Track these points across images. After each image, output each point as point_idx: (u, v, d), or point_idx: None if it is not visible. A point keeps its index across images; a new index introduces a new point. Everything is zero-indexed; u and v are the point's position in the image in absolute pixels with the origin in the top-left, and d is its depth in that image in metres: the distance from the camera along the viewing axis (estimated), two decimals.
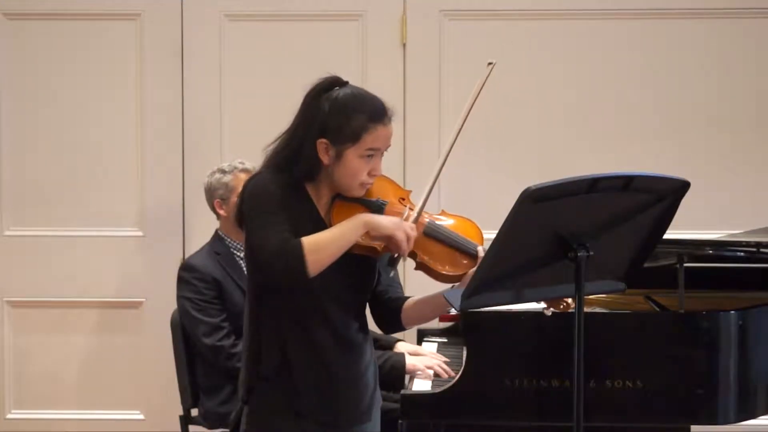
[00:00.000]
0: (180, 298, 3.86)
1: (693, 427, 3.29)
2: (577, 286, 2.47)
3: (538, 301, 2.70)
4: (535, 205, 2.38)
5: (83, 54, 4.74)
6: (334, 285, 2.55)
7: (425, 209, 2.62)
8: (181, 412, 4.04)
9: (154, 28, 4.72)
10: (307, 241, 2.43)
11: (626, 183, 2.47)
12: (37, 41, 4.74)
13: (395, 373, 3.50)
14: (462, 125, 2.72)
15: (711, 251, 3.41)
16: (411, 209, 2.61)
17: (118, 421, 4.79)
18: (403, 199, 2.67)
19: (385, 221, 2.49)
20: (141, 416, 4.79)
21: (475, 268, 2.54)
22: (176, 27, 4.73)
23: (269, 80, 4.68)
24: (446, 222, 2.69)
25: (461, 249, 2.62)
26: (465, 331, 3.22)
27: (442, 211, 2.76)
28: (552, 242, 2.47)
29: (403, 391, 3.18)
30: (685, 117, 4.69)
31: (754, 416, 3.21)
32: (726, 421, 3.13)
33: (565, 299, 2.62)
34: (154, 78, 4.72)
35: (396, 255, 2.51)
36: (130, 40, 4.73)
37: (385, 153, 2.61)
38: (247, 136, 4.33)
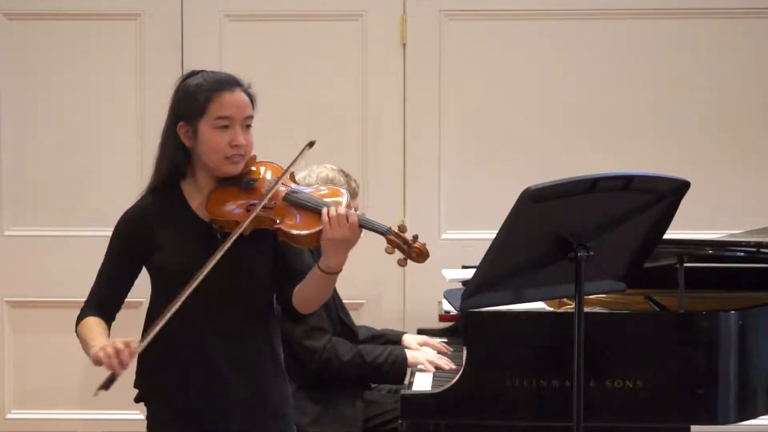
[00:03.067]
0: None
1: (693, 427, 3.29)
2: (577, 286, 2.48)
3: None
4: (535, 205, 2.38)
5: (83, 54, 4.74)
6: (215, 282, 2.50)
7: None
8: None
9: (154, 28, 4.72)
10: (82, 324, 2.68)
11: (626, 183, 2.47)
12: (37, 41, 4.74)
13: (398, 367, 3.53)
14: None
15: (711, 251, 3.41)
16: (284, 183, 2.61)
17: (118, 421, 4.78)
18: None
19: (90, 349, 2.58)
20: (141, 416, 4.78)
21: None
22: (176, 27, 4.73)
23: (269, 80, 4.68)
24: (316, 191, 2.66)
25: (311, 209, 2.55)
26: (465, 331, 3.22)
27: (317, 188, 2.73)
28: (552, 242, 2.47)
29: (403, 391, 3.18)
30: (685, 117, 4.69)
31: (754, 416, 3.21)
32: (726, 421, 3.13)
33: None
34: (154, 78, 4.72)
35: (111, 374, 2.54)
36: (130, 40, 4.73)
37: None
38: None
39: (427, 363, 3.49)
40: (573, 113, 4.70)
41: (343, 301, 3.77)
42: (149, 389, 2.73)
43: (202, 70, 2.67)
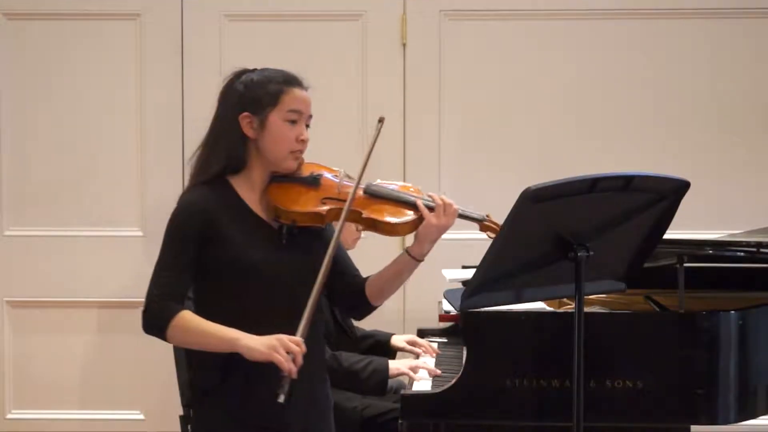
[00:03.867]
0: None
1: (693, 427, 3.29)
2: (577, 286, 2.48)
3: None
4: (535, 205, 2.38)
5: (83, 54, 4.74)
6: (284, 279, 2.53)
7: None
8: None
9: (154, 28, 4.72)
10: (183, 317, 2.48)
11: (626, 183, 2.47)
12: (37, 41, 4.74)
13: (377, 377, 3.46)
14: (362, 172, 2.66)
15: (711, 251, 3.41)
16: (347, 178, 2.67)
17: (118, 421, 4.79)
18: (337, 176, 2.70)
19: (259, 346, 2.41)
20: (141, 416, 4.79)
21: (414, 219, 2.59)
22: (176, 27, 4.73)
23: None
24: (385, 184, 2.73)
25: (401, 200, 2.64)
26: (465, 331, 3.22)
27: (379, 181, 2.77)
28: (552, 242, 2.47)
29: (403, 391, 3.17)
30: (685, 117, 4.69)
31: (754, 416, 3.21)
32: (726, 421, 3.12)
33: None
34: (154, 78, 4.72)
35: (283, 375, 2.39)
36: (130, 40, 4.73)
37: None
38: None
39: (408, 369, 3.41)
40: (573, 113, 4.70)
41: None
42: (211, 389, 2.61)
43: (255, 69, 2.68)
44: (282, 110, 2.58)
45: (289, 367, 2.38)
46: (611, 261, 2.59)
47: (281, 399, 2.36)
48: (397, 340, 3.81)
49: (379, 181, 2.72)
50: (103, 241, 4.76)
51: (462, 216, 2.65)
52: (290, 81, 2.62)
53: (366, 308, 2.75)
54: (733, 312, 3.14)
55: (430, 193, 2.65)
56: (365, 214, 2.61)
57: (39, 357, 4.80)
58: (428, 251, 2.65)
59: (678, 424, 3.22)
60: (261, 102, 2.58)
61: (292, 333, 2.45)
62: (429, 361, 3.54)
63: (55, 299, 4.77)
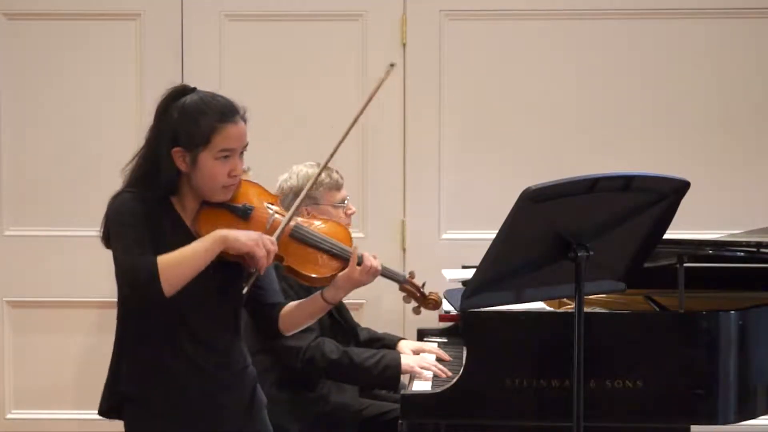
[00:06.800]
0: None
1: (693, 427, 3.29)
2: (577, 286, 2.48)
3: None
4: (535, 205, 2.38)
5: (83, 54, 4.74)
6: (200, 294, 2.52)
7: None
8: None
9: (154, 28, 4.72)
10: (162, 259, 2.42)
11: (626, 183, 2.47)
12: (37, 41, 4.74)
13: (389, 373, 3.46)
14: (351, 127, 2.79)
15: (711, 251, 3.41)
16: (278, 213, 2.63)
17: (118, 421, 4.78)
18: (272, 204, 2.66)
19: (243, 238, 2.46)
20: None
21: (344, 271, 2.65)
22: (176, 27, 4.73)
23: (269, 80, 4.68)
24: (314, 225, 2.71)
25: (329, 251, 2.66)
26: (465, 331, 3.22)
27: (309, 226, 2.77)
28: (552, 242, 2.47)
29: (403, 391, 3.18)
30: (685, 117, 4.69)
31: (754, 416, 3.21)
32: (726, 421, 3.13)
33: None
34: (154, 78, 4.72)
35: (252, 270, 2.50)
36: (130, 40, 4.73)
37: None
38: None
39: (420, 369, 3.41)
40: (573, 113, 4.70)
41: (344, 300, 3.76)
42: (137, 395, 2.72)
43: (195, 89, 2.60)
44: (213, 150, 2.51)
45: (262, 264, 2.46)
46: (611, 261, 2.59)
47: (245, 290, 2.52)
48: (404, 347, 3.78)
49: (310, 221, 2.72)
50: None
51: (384, 275, 2.74)
52: (223, 117, 2.53)
53: (273, 335, 2.79)
54: (733, 312, 3.14)
55: (362, 252, 2.67)
56: (287, 260, 2.59)
57: (39, 357, 4.80)
58: (344, 297, 2.72)
59: (678, 424, 3.23)
60: (192, 139, 2.51)
61: (206, 349, 2.56)
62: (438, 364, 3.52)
63: (54, 299, 4.77)
